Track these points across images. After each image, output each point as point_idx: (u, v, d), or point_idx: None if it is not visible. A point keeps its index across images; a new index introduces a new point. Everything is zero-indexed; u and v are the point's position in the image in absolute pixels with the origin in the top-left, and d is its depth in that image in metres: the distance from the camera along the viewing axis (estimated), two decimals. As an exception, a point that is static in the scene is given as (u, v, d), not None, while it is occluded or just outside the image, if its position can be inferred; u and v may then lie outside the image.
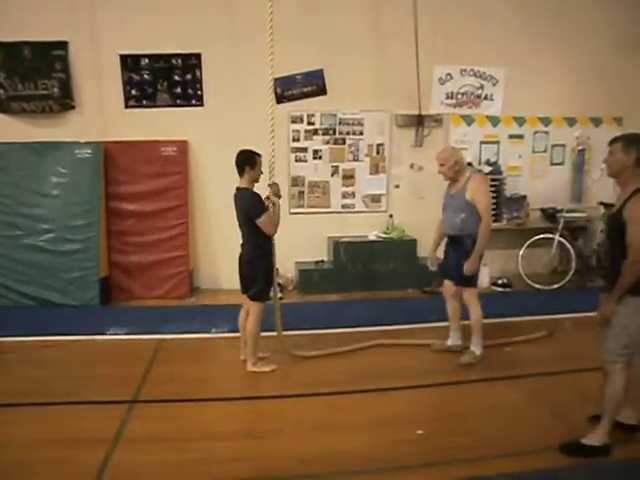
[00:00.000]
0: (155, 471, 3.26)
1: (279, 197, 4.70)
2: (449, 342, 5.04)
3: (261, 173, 4.65)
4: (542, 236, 7.29)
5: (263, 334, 4.70)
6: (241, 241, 4.69)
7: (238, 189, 4.61)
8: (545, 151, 7.77)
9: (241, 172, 4.57)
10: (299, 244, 7.16)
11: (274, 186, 4.70)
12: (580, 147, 7.74)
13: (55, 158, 6.61)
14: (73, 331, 5.55)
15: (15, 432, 3.69)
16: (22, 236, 6.49)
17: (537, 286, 7.16)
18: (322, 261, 7.35)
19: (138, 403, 4.10)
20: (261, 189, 4.66)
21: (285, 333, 4.94)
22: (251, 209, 4.47)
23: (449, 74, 7.33)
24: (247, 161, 4.55)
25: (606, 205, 7.47)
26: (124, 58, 6.78)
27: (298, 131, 7.27)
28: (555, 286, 7.14)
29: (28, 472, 3.25)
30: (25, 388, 4.35)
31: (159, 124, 6.87)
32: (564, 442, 3.39)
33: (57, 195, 6.59)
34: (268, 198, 4.66)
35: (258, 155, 4.59)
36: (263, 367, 4.71)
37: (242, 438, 3.67)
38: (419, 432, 3.62)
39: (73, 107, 6.84)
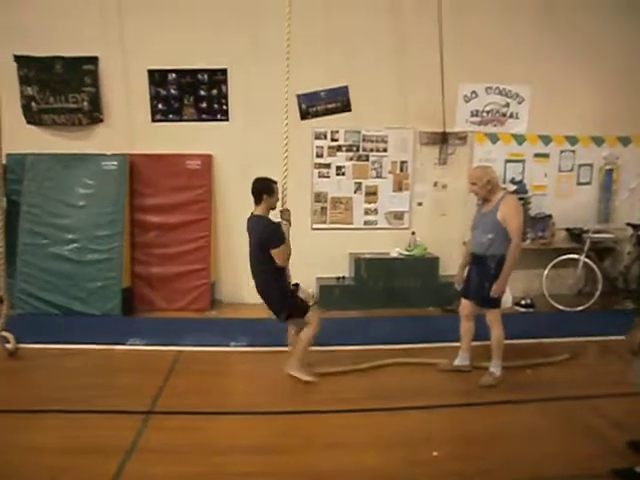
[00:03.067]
0: (168, 483, 3.26)
1: (289, 223, 4.74)
2: (457, 362, 4.95)
3: (277, 200, 4.70)
4: (567, 256, 7.16)
5: (284, 349, 4.68)
6: (250, 268, 4.69)
7: (253, 215, 4.64)
8: (572, 170, 7.65)
9: (258, 199, 4.60)
10: (321, 259, 7.16)
11: (286, 212, 4.77)
12: (608, 167, 7.63)
13: (82, 169, 6.76)
14: (94, 340, 5.61)
15: (34, 438, 3.73)
16: (48, 245, 6.61)
17: (561, 307, 7.01)
18: (343, 277, 7.32)
19: (154, 414, 4.11)
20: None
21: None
22: (270, 239, 4.48)
23: (474, 92, 7.30)
24: (265, 189, 4.59)
25: (634, 226, 7.34)
26: (152, 73, 6.92)
27: (322, 147, 7.30)
28: (580, 308, 6.98)
29: (45, 478, 3.27)
30: (45, 395, 4.41)
31: (184, 138, 6.98)
32: (617, 468, 3.28)
33: (83, 206, 6.71)
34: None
35: (274, 182, 4.64)
36: (304, 375, 4.68)
37: (256, 453, 3.64)
38: (434, 454, 3.56)
39: (101, 120, 7.00)
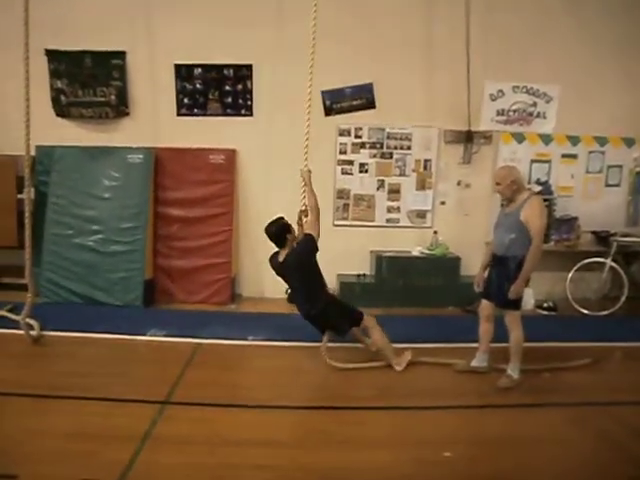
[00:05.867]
0: (179, 473, 3.28)
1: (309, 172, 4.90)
2: (474, 363, 4.89)
3: (297, 231, 4.83)
4: (593, 260, 7.01)
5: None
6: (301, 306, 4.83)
7: (282, 256, 4.71)
8: (600, 172, 7.49)
9: (282, 242, 4.70)
10: (342, 256, 7.14)
11: (306, 172, 4.92)
12: (638, 169, 7.45)
13: (108, 162, 6.87)
14: (114, 330, 5.69)
15: (52, 422, 3.79)
16: (73, 235, 6.74)
17: (585, 311, 6.87)
18: (364, 275, 7.30)
19: (170, 405, 4.15)
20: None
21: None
22: (307, 247, 4.62)
23: (501, 90, 7.20)
24: (284, 229, 4.69)
25: (663, 230, 7.17)
26: (178, 68, 6.99)
27: (345, 144, 7.29)
28: (604, 313, 6.83)
29: (60, 461, 3.32)
30: (65, 381, 4.47)
31: (209, 132, 7.04)
32: (633, 475, 3.22)
33: (108, 198, 6.82)
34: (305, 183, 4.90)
35: (283, 218, 4.76)
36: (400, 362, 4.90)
37: (269, 447, 3.65)
38: (446, 454, 3.52)
39: (128, 114, 7.10)
